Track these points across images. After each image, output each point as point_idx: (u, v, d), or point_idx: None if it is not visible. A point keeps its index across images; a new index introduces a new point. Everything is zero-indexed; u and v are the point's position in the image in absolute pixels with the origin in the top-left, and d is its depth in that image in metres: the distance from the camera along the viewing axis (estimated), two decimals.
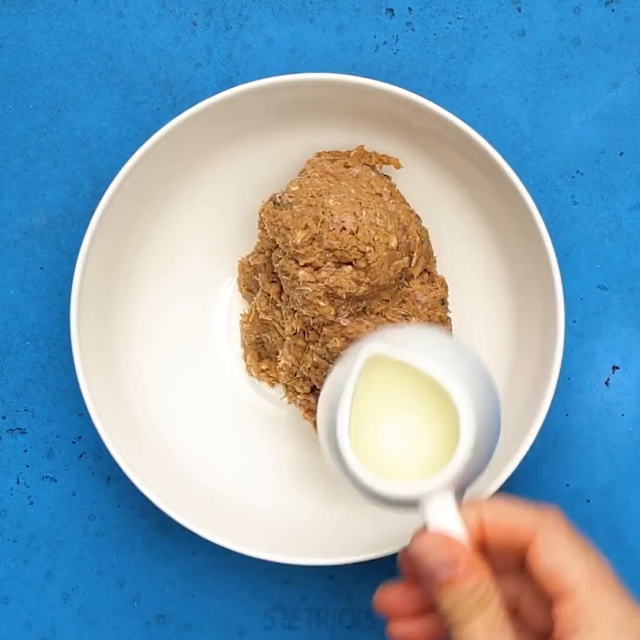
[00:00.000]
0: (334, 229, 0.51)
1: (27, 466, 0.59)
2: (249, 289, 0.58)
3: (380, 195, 0.53)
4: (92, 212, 0.52)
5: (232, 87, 0.52)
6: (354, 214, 0.51)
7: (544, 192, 0.58)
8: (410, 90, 0.52)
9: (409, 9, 0.58)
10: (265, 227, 0.54)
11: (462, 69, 0.58)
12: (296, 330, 0.53)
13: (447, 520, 0.40)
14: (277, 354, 0.56)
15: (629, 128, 0.58)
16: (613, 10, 0.58)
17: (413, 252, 0.53)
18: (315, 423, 0.56)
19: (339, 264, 0.51)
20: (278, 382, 0.57)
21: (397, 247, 0.52)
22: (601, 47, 0.58)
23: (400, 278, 0.53)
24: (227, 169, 0.57)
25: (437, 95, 0.58)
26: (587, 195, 0.58)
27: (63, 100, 0.58)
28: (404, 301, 0.53)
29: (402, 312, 0.53)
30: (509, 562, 0.41)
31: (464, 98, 0.58)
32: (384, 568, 0.59)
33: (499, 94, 0.58)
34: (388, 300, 0.53)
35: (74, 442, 0.59)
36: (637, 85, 0.58)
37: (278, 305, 0.55)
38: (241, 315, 0.58)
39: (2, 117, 0.58)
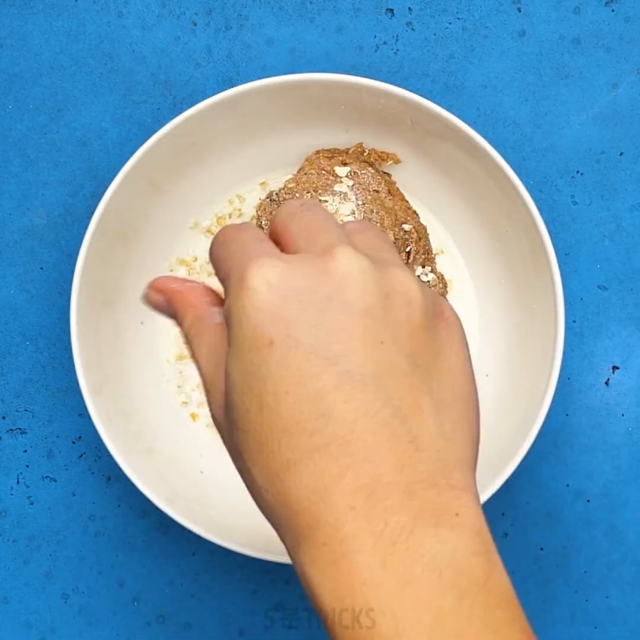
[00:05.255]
0: None
1: (27, 466, 0.59)
2: None
3: (378, 191, 0.54)
4: (92, 212, 0.52)
5: (232, 87, 0.52)
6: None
7: (544, 192, 0.58)
8: (410, 90, 0.52)
9: (409, 9, 0.58)
10: (263, 224, 0.54)
11: (462, 69, 0.58)
12: None
13: None
14: None
15: (629, 128, 0.58)
16: (613, 10, 0.58)
17: (411, 248, 0.53)
18: None
19: None
20: None
21: (395, 242, 0.52)
22: (601, 47, 0.58)
23: None
24: (226, 168, 0.57)
25: (437, 95, 0.58)
26: (587, 195, 0.58)
27: (63, 100, 0.58)
28: None
29: None
30: None
31: (464, 98, 0.58)
32: None
33: (499, 94, 0.58)
34: None
35: (74, 442, 0.59)
36: (637, 85, 0.58)
37: None
38: None
39: (2, 117, 0.58)
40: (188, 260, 0.58)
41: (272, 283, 0.30)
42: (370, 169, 0.55)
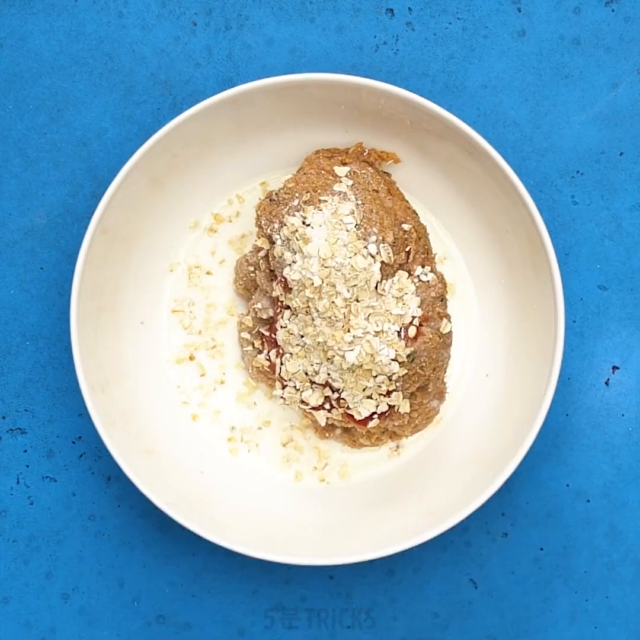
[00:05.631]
0: None
1: (27, 466, 0.59)
2: (246, 288, 0.58)
3: (377, 191, 0.54)
4: (92, 212, 0.52)
5: (232, 87, 0.52)
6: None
7: (544, 192, 0.58)
8: (410, 90, 0.52)
9: (409, 9, 0.58)
10: (262, 224, 0.54)
11: (462, 69, 0.58)
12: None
13: None
14: None
15: (629, 128, 0.58)
16: (613, 10, 0.58)
17: (410, 248, 0.53)
18: (315, 421, 0.56)
19: None
20: (276, 382, 0.57)
21: (394, 242, 0.52)
22: (601, 47, 0.58)
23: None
24: (227, 168, 0.57)
25: (437, 95, 0.58)
26: (587, 195, 0.58)
27: (63, 100, 0.58)
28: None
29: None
30: None
31: (464, 98, 0.58)
32: (384, 568, 0.59)
33: (499, 94, 0.58)
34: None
35: (74, 442, 0.59)
36: (637, 85, 0.58)
37: (276, 303, 0.55)
38: (239, 315, 0.58)
39: (2, 117, 0.58)
40: (188, 260, 0.58)
41: None
42: (369, 168, 0.55)
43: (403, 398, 0.54)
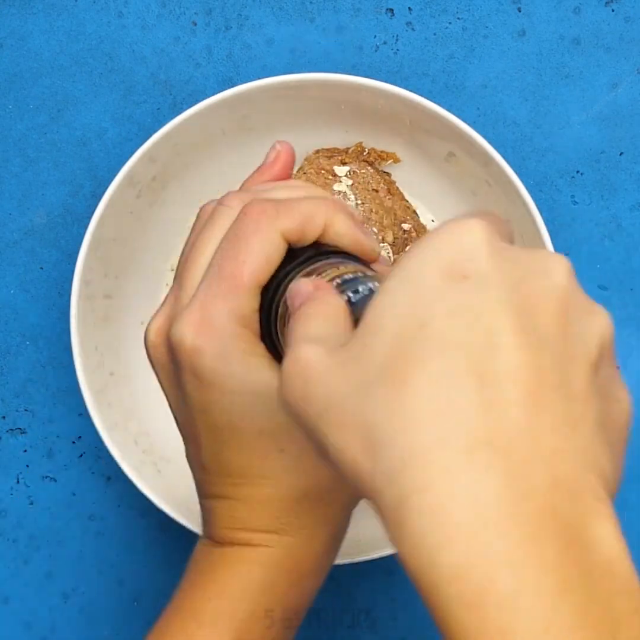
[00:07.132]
0: None
1: (27, 466, 0.59)
2: None
3: (377, 191, 0.54)
4: (92, 212, 0.52)
5: (232, 87, 0.52)
6: None
7: (544, 192, 0.58)
8: (410, 90, 0.52)
9: (409, 9, 0.58)
10: None
11: (462, 69, 0.58)
12: None
13: None
14: None
15: (629, 128, 0.58)
16: (613, 10, 0.58)
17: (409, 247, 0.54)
18: None
19: None
20: None
21: (394, 242, 0.52)
22: (601, 47, 0.58)
23: None
24: (226, 168, 0.57)
25: (437, 95, 0.58)
26: (587, 195, 0.58)
27: (63, 100, 0.58)
28: None
29: None
30: None
31: (464, 98, 0.58)
32: (384, 568, 0.59)
33: (499, 94, 0.58)
34: None
35: (74, 442, 0.59)
36: (637, 85, 0.58)
37: None
38: None
39: (2, 117, 0.58)
40: None
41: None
42: (369, 168, 0.55)
43: None
